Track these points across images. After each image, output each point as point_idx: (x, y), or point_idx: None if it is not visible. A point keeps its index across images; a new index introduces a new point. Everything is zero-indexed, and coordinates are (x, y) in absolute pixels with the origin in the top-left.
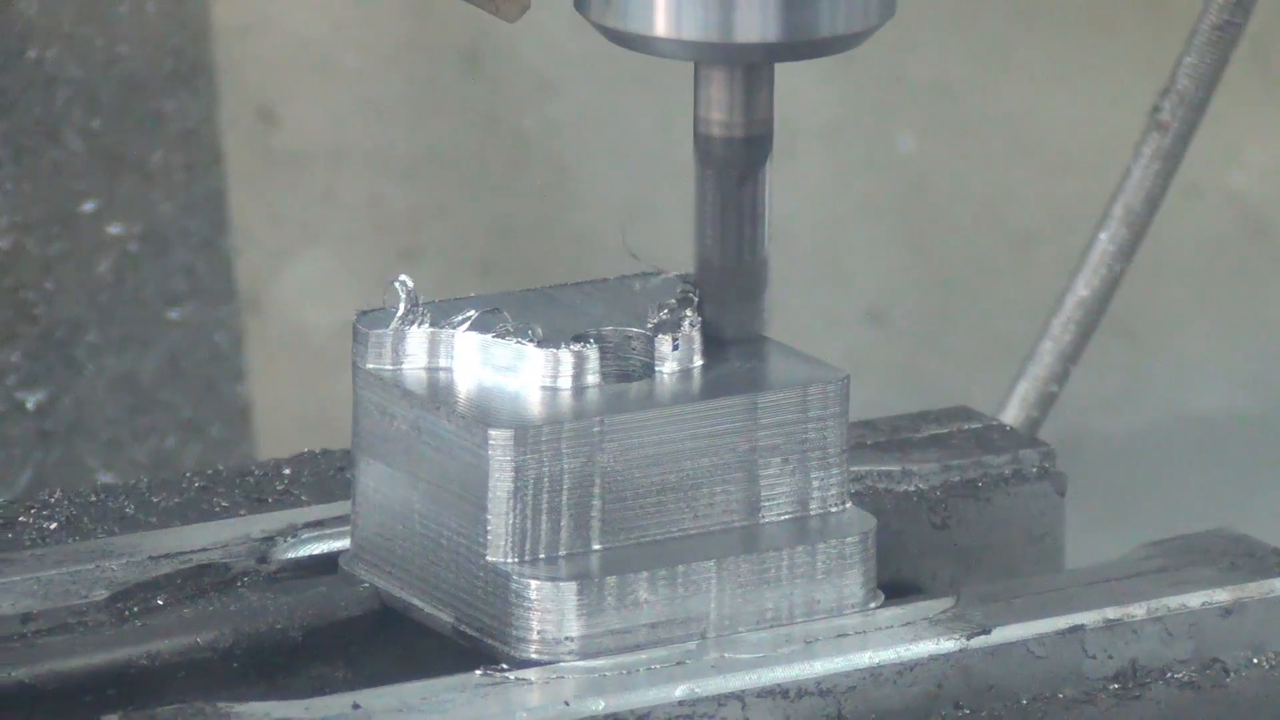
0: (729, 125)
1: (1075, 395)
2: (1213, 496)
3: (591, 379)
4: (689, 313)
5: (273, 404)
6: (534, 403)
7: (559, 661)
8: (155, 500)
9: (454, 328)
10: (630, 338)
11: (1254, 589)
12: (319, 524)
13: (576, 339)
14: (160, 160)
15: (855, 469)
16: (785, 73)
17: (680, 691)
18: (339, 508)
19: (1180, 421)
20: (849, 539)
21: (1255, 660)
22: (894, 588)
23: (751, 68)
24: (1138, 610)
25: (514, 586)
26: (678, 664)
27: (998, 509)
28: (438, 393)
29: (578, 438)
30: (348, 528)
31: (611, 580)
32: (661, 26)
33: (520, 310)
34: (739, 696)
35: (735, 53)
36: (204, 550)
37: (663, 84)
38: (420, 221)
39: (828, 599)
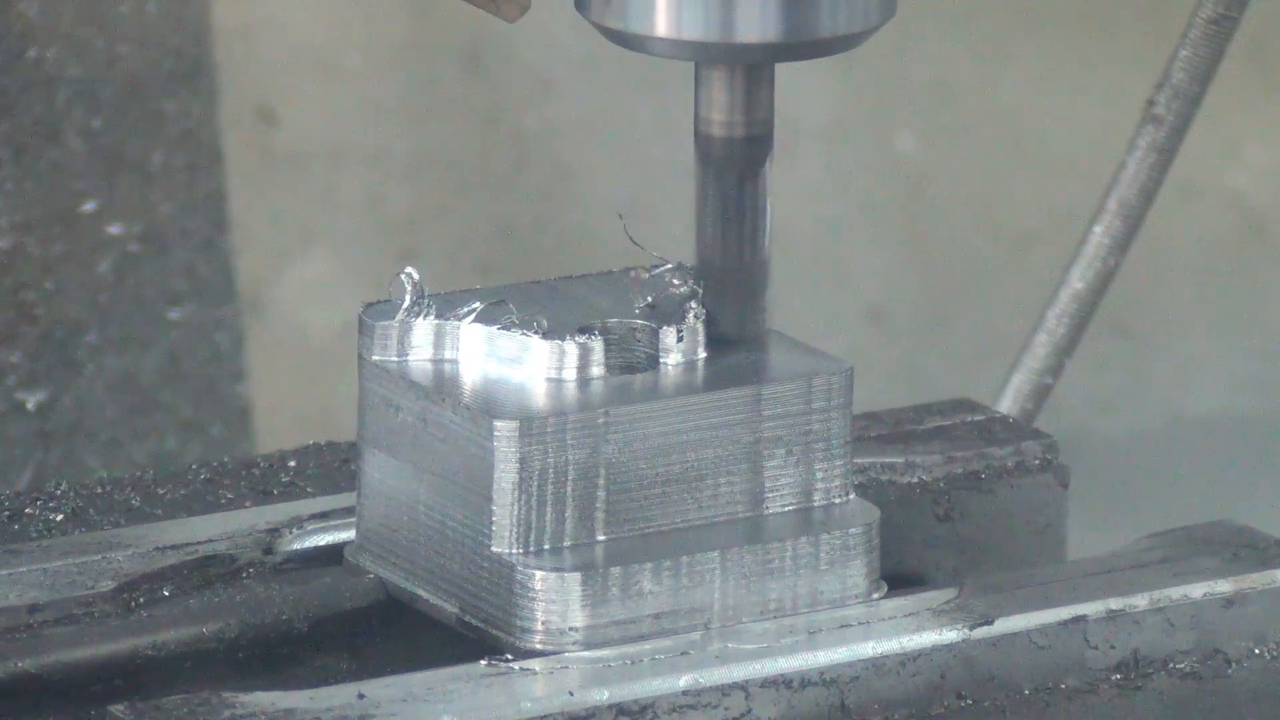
0: (729, 125)
1: (1075, 395)
2: (1213, 496)
3: (596, 370)
4: (693, 304)
5: (273, 404)
6: (539, 394)
7: (563, 652)
8: (161, 492)
9: (459, 319)
10: (635, 329)
11: (1256, 580)
12: (324, 515)
13: (581, 331)
14: (160, 160)
15: (859, 460)
16: (785, 73)
17: (684, 681)
18: (344, 499)
19: (1180, 421)
20: (853, 530)
21: (1257, 651)
22: (897, 579)
23: (752, 68)
24: (1140, 601)
25: (519, 577)
26: (682, 654)
27: (1001, 500)
28: (443, 384)
29: (582, 429)
30: (353, 519)
31: (616, 571)
32: (661, 26)
33: (525, 302)
34: (743, 686)
35: (735, 53)
36: (209, 542)
37: (663, 84)
38: (420, 222)
39: (831, 590)
